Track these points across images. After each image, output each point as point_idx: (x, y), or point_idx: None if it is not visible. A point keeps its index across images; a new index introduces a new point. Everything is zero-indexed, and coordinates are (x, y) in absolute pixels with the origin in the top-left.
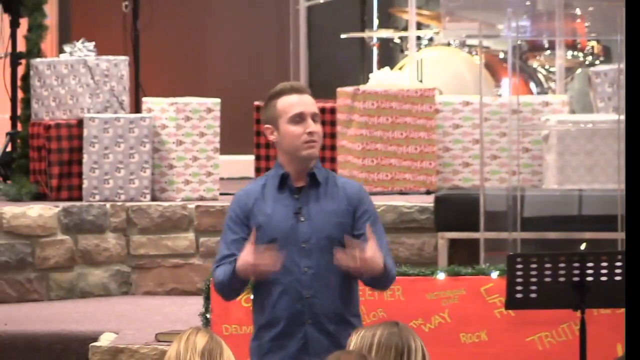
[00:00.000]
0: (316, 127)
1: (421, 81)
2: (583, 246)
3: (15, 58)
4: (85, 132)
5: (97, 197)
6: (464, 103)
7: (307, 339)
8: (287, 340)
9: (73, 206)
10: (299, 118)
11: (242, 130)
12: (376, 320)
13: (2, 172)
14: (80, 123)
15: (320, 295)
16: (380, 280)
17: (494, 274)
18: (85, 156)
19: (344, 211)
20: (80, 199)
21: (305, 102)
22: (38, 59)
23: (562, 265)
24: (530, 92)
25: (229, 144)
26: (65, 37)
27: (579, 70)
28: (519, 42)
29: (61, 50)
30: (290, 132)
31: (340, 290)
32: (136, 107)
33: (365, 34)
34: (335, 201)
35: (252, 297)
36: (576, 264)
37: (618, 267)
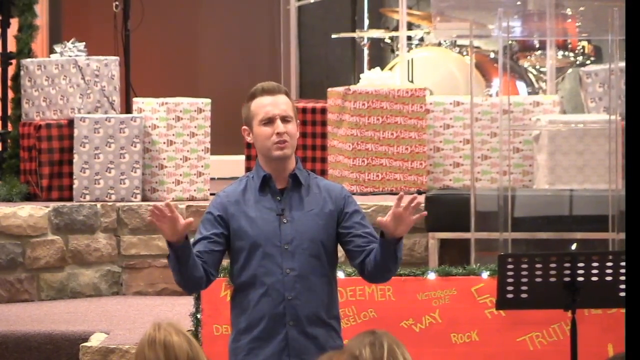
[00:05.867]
0: (286, 128)
1: (412, 81)
2: (574, 246)
3: (5, 58)
4: (76, 132)
5: (88, 197)
6: (454, 103)
7: (288, 341)
8: (268, 341)
9: (64, 206)
10: (267, 120)
11: (233, 130)
12: (367, 320)
13: None
14: (70, 123)
15: (302, 297)
16: (393, 261)
17: (485, 274)
18: (75, 156)
19: (328, 213)
20: (70, 199)
21: (275, 104)
22: (28, 59)
23: (553, 265)
24: (517, 92)
25: (220, 144)
26: (56, 37)
27: (569, 70)
28: (509, 42)
29: (52, 51)
30: (260, 134)
31: (321, 293)
32: (127, 107)
33: (356, 34)
34: (319, 203)
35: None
36: (567, 264)
37: (609, 268)
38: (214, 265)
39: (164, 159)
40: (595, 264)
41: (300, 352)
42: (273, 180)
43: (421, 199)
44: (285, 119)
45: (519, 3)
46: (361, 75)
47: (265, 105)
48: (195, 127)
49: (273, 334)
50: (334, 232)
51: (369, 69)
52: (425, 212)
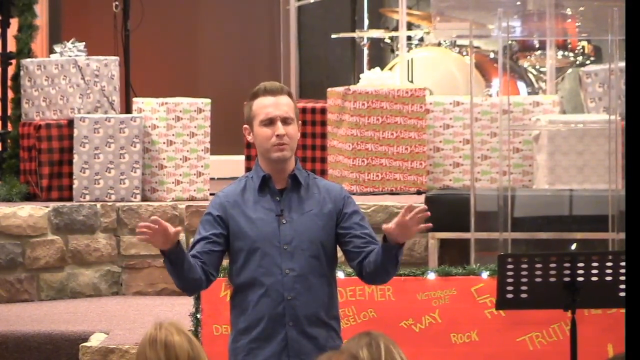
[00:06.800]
0: (286, 130)
1: (412, 81)
2: (574, 246)
3: (5, 58)
4: (76, 132)
5: (88, 197)
6: (454, 103)
7: (288, 341)
8: (268, 342)
9: (63, 206)
10: (268, 121)
11: (233, 131)
12: (367, 320)
13: None
14: (70, 123)
15: (301, 297)
16: (393, 265)
17: (485, 274)
18: (75, 156)
19: (327, 214)
20: (70, 199)
21: (277, 105)
22: (28, 59)
23: (552, 265)
24: (518, 92)
25: (220, 144)
26: (56, 37)
27: (569, 70)
28: (509, 42)
29: (52, 51)
30: (260, 135)
31: (321, 293)
32: (127, 107)
33: (356, 34)
34: (318, 203)
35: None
36: (567, 264)
37: (609, 268)
38: (213, 266)
39: (164, 159)
40: (595, 264)
41: (300, 353)
42: (272, 181)
43: (428, 213)
44: (286, 121)
45: (518, 3)
46: (361, 75)
47: (266, 105)
48: (195, 127)
49: (273, 335)
50: (333, 232)
51: (369, 69)
52: (431, 225)
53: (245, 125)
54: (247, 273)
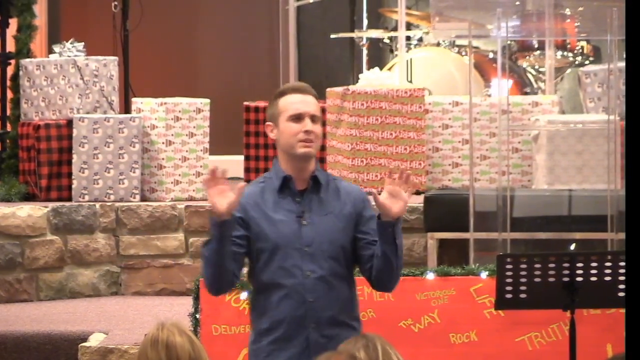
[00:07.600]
0: (314, 127)
1: (411, 81)
2: (573, 246)
3: (4, 58)
4: (75, 133)
5: (87, 198)
6: (453, 103)
7: (309, 343)
8: (289, 343)
9: (62, 206)
10: (297, 117)
11: (232, 131)
12: (366, 320)
13: None
14: (69, 123)
15: (322, 299)
16: (392, 251)
17: (484, 274)
18: (74, 156)
19: (347, 215)
20: (69, 199)
21: (305, 102)
22: (27, 59)
23: (551, 265)
24: (521, 93)
25: (219, 144)
26: (55, 37)
27: (568, 71)
28: (508, 42)
29: (51, 51)
30: (287, 130)
31: (342, 294)
32: (126, 108)
33: (355, 34)
34: (338, 205)
35: (242, 297)
36: (566, 264)
37: (608, 268)
38: (238, 268)
39: (163, 159)
40: (594, 264)
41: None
42: (293, 182)
43: (410, 173)
44: (314, 119)
45: (517, 3)
46: (360, 76)
47: (295, 102)
48: (194, 127)
49: (294, 336)
50: (352, 234)
51: (368, 69)
52: (418, 181)
53: (268, 123)
54: (267, 274)
